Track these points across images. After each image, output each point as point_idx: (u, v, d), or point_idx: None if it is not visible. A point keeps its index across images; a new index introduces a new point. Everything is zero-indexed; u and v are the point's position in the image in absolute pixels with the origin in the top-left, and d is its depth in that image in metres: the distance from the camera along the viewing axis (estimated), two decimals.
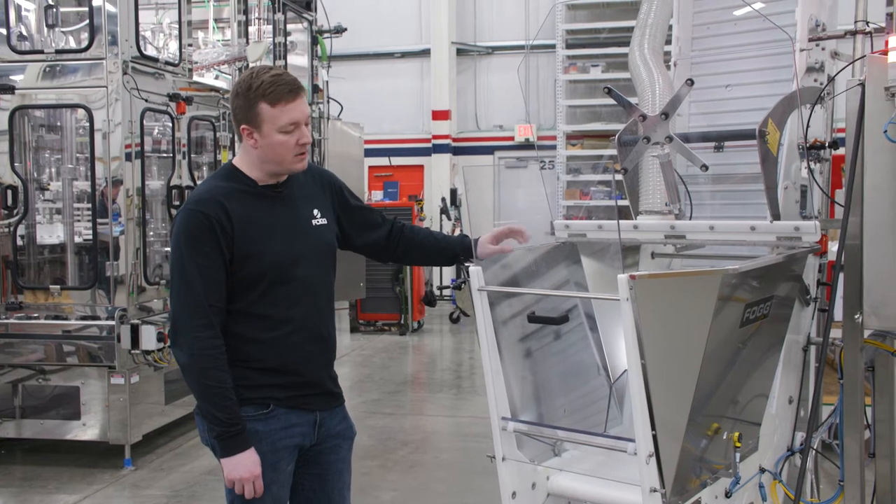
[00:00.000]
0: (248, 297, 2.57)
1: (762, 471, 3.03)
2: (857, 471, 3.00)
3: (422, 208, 11.79)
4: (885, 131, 2.70)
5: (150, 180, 6.21)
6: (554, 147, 13.43)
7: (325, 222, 2.77)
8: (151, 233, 6.21)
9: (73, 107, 5.85)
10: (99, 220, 5.66)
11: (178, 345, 2.52)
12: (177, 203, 6.10)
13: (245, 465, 2.52)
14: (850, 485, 3.02)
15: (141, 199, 5.79)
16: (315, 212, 2.75)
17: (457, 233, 12.69)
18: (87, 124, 5.68)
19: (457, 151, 14.91)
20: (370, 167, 12.91)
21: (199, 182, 2.78)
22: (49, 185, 6.20)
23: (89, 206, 5.83)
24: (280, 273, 2.60)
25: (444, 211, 12.74)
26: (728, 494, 2.81)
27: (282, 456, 2.64)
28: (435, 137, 14.73)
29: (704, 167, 3.10)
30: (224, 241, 2.52)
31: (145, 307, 5.81)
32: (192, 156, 6.41)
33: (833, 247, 3.14)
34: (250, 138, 2.58)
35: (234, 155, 6.99)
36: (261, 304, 2.58)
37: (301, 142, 2.58)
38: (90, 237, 5.75)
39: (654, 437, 2.43)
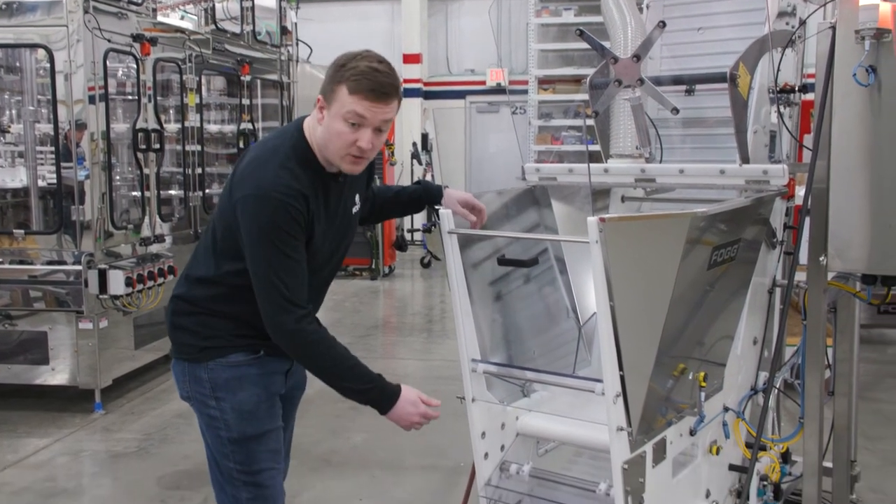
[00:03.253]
0: None
1: (726, 409, 3.10)
2: (816, 408, 3.08)
3: (392, 153, 11.70)
4: (854, 74, 2.70)
5: (116, 123, 6.09)
6: (525, 92, 13.33)
7: (359, 207, 2.73)
8: (118, 177, 6.12)
9: (33, 46, 5.69)
10: (63, 165, 5.54)
11: (292, 341, 2.45)
12: (143, 147, 6.00)
13: (408, 412, 2.55)
14: (809, 422, 3.10)
15: (106, 143, 5.68)
16: (357, 197, 2.70)
17: (428, 177, 12.65)
18: (48, 65, 5.52)
19: (428, 96, 14.76)
20: None
21: (261, 143, 2.50)
22: (10, 127, 6.06)
23: (52, 149, 5.71)
24: (320, 264, 2.57)
25: (415, 156, 12.66)
26: (693, 432, 2.88)
27: (274, 401, 2.66)
28: (406, 81, 14.51)
29: (675, 110, 3.11)
30: (303, 232, 2.45)
31: (113, 252, 5.75)
32: (158, 98, 6.28)
33: (800, 191, 3.17)
34: (320, 112, 2.45)
35: (200, 99, 6.88)
36: None
37: (358, 143, 2.42)
38: (54, 181, 5.64)
39: (622, 378, 2.47)
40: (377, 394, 2.53)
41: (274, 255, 2.38)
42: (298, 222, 2.40)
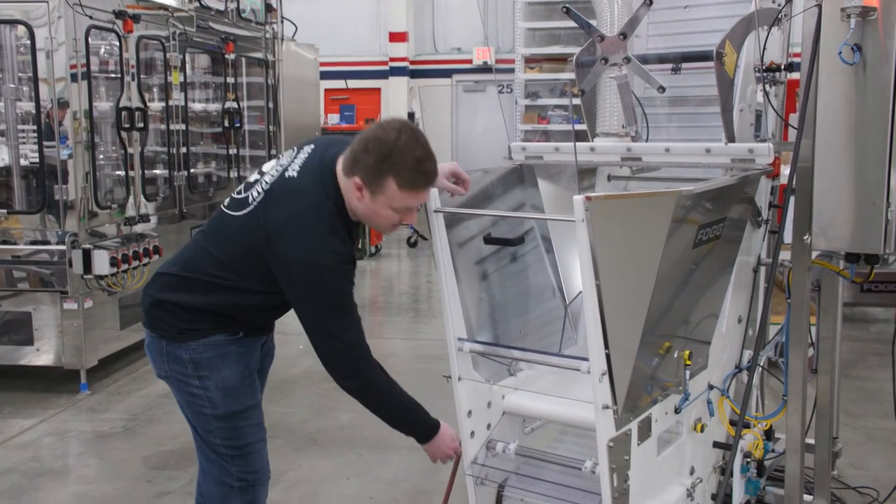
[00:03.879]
0: (278, 289, 2.51)
1: (710, 387, 3.12)
2: (799, 386, 3.10)
3: None
4: (840, 53, 2.70)
5: (99, 102, 6.03)
6: (512, 70, 13.27)
7: None
8: (101, 156, 6.06)
9: (12, 23, 5.61)
10: (46, 143, 5.49)
11: (366, 383, 2.57)
12: (126, 125, 5.94)
13: (446, 444, 2.77)
14: (792, 399, 3.12)
15: (89, 122, 5.62)
16: None
17: None
18: (29, 42, 5.45)
19: (414, 74, 14.69)
20: (326, 90, 12.67)
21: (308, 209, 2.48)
22: None
23: (35, 128, 5.65)
24: None
25: None
26: (677, 410, 2.90)
27: (254, 377, 2.69)
28: (392, 60, 14.50)
29: (661, 89, 3.10)
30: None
31: (97, 232, 5.71)
32: (142, 77, 6.21)
33: (785, 170, 3.17)
34: (358, 192, 2.43)
35: (184, 78, 6.81)
36: (281, 296, 2.54)
37: (405, 221, 2.51)
38: (37, 160, 5.58)
39: (608, 356, 2.47)
40: (423, 427, 2.73)
41: (331, 313, 2.46)
42: (350, 281, 2.48)
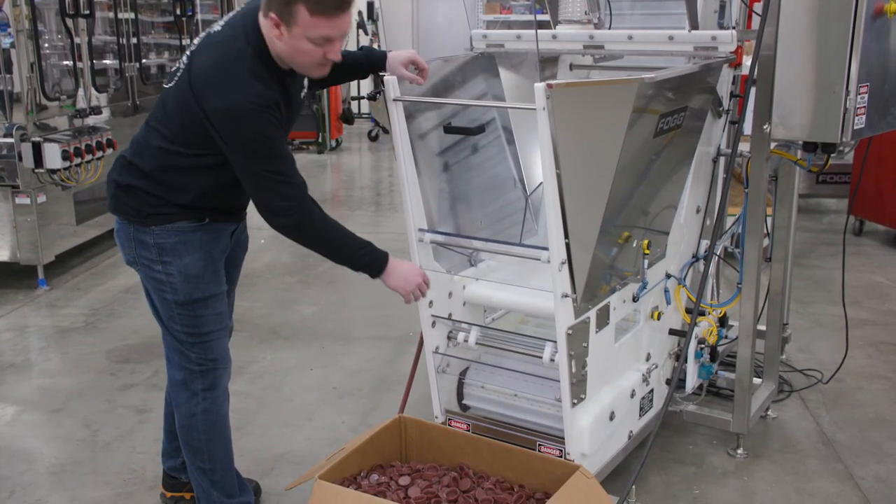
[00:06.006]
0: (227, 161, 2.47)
1: (668, 276, 3.18)
2: (754, 274, 3.17)
3: None
4: None
5: None
6: None
7: (306, 89, 2.68)
8: (46, 45, 5.81)
9: None
10: None
11: (299, 223, 2.48)
12: (71, 12, 5.69)
13: (407, 274, 2.70)
14: (746, 287, 3.20)
15: (31, 9, 5.36)
16: (305, 81, 2.64)
17: (374, 47, 12.29)
18: None
19: None
20: None
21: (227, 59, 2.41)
22: None
23: None
24: None
25: (360, 25, 12.26)
26: (635, 299, 2.96)
27: (219, 265, 2.68)
28: None
29: None
30: (282, 131, 2.48)
31: (47, 125, 5.53)
32: None
33: (747, 61, 3.15)
34: (276, 29, 2.34)
35: None
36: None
37: (328, 56, 2.40)
38: None
39: (567, 246, 2.50)
40: (371, 258, 2.66)
41: (262, 160, 2.40)
42: (277, 126, 2.41)
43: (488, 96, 3.27)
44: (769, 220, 3.55)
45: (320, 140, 10.81)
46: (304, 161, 10.31)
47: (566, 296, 2.56)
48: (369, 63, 2.84)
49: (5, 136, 5.26)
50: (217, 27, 2.53)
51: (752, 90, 3.00)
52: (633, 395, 3.02)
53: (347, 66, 2.76)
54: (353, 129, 12.34)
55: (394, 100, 2.73)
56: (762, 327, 3.63)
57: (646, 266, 2.92)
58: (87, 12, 5.85)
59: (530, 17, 11.84)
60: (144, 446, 3.54)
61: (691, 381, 3.26)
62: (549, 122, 2.32)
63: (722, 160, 3.35)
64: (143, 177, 2.55)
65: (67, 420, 3.78)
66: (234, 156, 2.42)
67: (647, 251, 2.89)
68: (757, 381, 3.62)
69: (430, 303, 2.93)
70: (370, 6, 12.84)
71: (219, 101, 2.36)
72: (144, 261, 2.61)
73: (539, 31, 3.18)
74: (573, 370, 2.65)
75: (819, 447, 3.49)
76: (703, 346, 3.23)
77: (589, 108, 2.46)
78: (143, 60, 6.89)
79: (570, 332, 2.61)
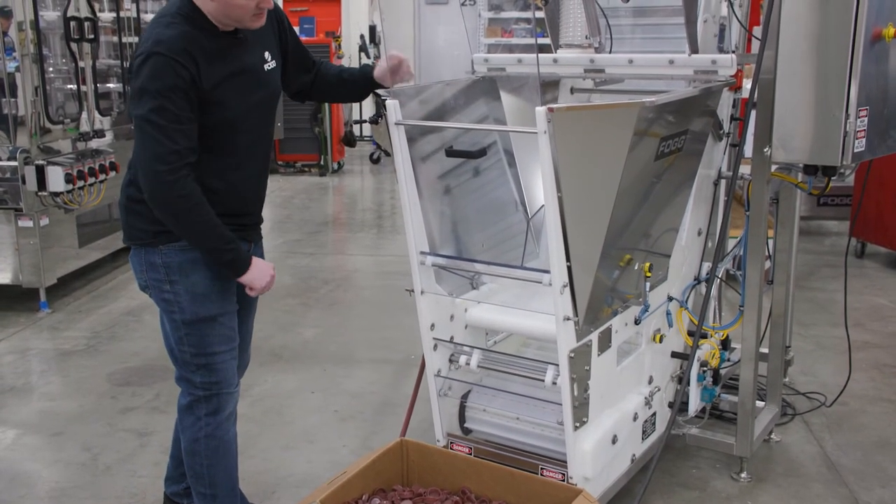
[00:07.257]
0: (206, 145, 2.46)
1: (670, 299, 3.18)
2: (756, 297, 3.17)
3: (339, 45, 11.39)
4: None
5: (45, 11, 5.78)
6: None
7: (275, 65, 2.66)
8: (51, 69, 5.85)
9: None
10: None
11: (161, 193, 2.40)
12: (76, 37, 5.73)
13: (264, 267, 2.60)
14: (748, 310, 3.20)
15: (36, 33, 5.41)
16: (266, 55, 2.63)
17: None
18: None
19: None
20: (285, 2, 12.30)
21: (151, 19, 2.41)
22: None
23: None
24: (239, 122, 2.52)
25: (362, 48, 12.34)
26: (637, 321, 2.95)
27: (228, 286, 2.65)
28: None
29: None
30: (192, 89, 2.37)
31: (50, 148, 5.55)
32: None
33: (747, 84, 3.17)
34: None
35: None
36: (217, 152, 2.50)
37: (261, 5, 2.43)
38: None
39: (569, 269, 2.50)
40: (236, 255, 2.54)
41: (158, 110, 2.34)
42: (180, 74, 2.34)
43: (490, 120, 3.28)
44: (771, 242, 3.55)
45: (322, 163, 10.85)
46: (306, 183, 10.34)
47: (568, 319, 2.56)
48: (362, 78, 2.88)
49: (9, 159, 5.29)
50: None
51: (753, 113, 3.01)
52: (635, 419, 3.01)
53: (348, 79, 2.84)
54: (354, 151, 12.39)
55: (395, 123, 2.74)
56: (765, 350, 3.62)
57: (647, 289, 2.92)
58: (92, 36, 5.89)
59: (531, 41, 11.89)
60: (145, 470, 3.53)
61: (694, 404, 3.24)
62: (551, 146, 2.33)
63: (723, 183, 3.36)
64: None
65: (68, 443, 3.77)
66: (133, 107, 2.40)
67: (648, 274, 2.89)
68: (760, 404, 3.61)
69: (432, 326, 2.93)
70: (372, 30, 12.94)
71: (136, 54, 2.40)
72: (154, 282, 2.61)
73: (540, 54, 3.20)
74: (575, 393, 2.65)
75: (823, 471, 3.47)
76: (705, 368, 3.22)
77: (590, 131, 2.47)
78: None
79: (573, 355, 2.60)
